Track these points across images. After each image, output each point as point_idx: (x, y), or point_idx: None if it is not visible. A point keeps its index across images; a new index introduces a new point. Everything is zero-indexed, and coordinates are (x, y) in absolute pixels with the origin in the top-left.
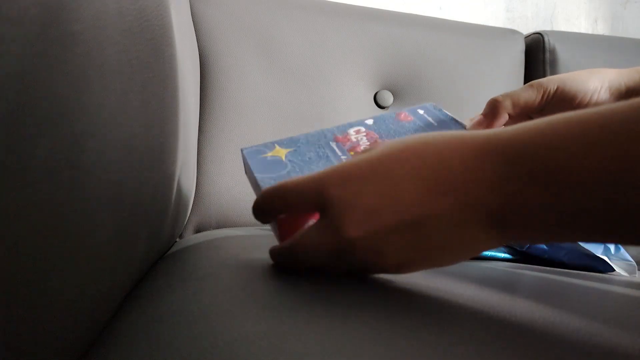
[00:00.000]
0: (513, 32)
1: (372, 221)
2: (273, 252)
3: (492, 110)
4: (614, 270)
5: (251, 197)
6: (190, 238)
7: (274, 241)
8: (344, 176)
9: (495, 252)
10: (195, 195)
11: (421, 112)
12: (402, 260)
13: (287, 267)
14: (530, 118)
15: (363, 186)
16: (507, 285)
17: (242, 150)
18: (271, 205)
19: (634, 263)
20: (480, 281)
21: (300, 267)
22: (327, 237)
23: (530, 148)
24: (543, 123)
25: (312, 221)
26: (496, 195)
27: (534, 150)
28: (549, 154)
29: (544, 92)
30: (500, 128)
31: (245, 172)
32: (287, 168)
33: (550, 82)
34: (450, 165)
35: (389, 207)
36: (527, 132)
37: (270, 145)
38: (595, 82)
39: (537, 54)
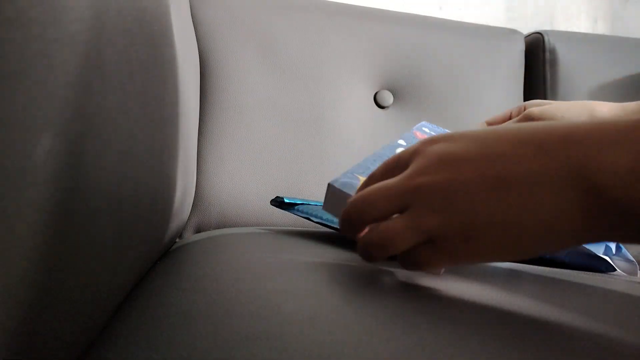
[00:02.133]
0: (513, 32)
1: (446, 168)
2: (346, 206)
3: None
4: (615, 270)
5: (251, 196)
6: (190, 238)
7: (273, 240)
8: (429, 139)
9: None
10: (195, 195)
11: (427, 130)
12: (470, 226)
13: (353, 223)
14: None
15: (446, 143)
16: (508, 285)
17: (331, 184)
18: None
19: (636, 263)
20: (481, 280)
21: (366, 218)
22: (397, 181)
23: None
24: None
25: None
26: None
27: None
28: None
29: None
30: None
31: (327, 207)
32: None
33: (544, 114)
34: (552, 129)
35: (470, 160)
36: None
37: (353, 177)
38: (586, 115)
39: (537, 54)
